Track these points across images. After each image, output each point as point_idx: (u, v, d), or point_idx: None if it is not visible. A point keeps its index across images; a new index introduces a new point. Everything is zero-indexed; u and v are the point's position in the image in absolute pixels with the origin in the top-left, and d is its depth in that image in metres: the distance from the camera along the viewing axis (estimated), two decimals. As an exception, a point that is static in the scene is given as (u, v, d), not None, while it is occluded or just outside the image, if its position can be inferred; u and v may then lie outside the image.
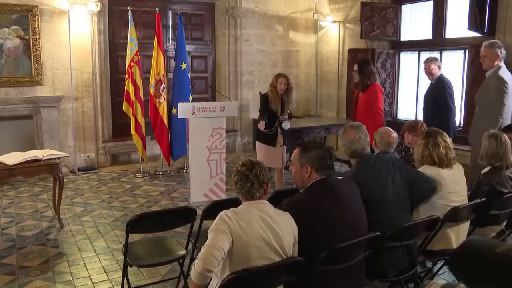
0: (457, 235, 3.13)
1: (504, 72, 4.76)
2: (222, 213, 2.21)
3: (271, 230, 2.20)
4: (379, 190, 2.81)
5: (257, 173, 2.29)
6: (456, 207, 2.99)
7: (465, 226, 3.22)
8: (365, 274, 2.66)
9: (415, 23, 7.57)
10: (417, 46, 7.44)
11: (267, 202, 2.34)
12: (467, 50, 6.43)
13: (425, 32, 7.28)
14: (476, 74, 6.11)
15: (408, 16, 7.65)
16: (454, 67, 6.82)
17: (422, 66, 7.32)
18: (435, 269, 3.65)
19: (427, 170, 3.10)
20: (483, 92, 4.92)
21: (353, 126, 3.13)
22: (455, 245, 3.12)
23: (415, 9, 7.53)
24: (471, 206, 3.14)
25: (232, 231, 2.13)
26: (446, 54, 6.95)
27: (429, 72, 5.46)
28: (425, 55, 7.30)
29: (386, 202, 2.80)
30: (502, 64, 4.78)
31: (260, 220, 2.20)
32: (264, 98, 5.61)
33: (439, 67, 5.45)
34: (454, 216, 2.98)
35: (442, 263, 3.58)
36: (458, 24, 6.73)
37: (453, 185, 3.12)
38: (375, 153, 3.81)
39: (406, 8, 7.64)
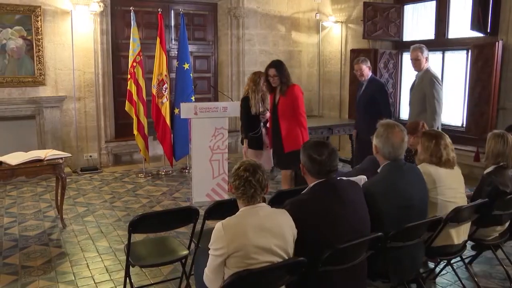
0: (458, 232, 3.13)
1: (434, 71, 5.15)
2: (217, 226, 2.20)
3: (270, 234, 2.20)
4: (408, 197, 2.80)
5: (259, 178, 2.28)
6: (458, 207, 2.98)
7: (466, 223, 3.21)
8: (367, 275, 2.65)
9: (417, 23, 7.56)
10: (420, 46, 7.42)
11: (265, 204, 2.35)
12: (469, 50, 6.42)
13: (428, 32, 7.27)
14: (479, 74, 6.11)
15: (411, 16, 7.64)
16: (456, 67, 6.81)
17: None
18: (438, 269, 3.66)
19: (427, 167, 3.11)
20: (418, 92, 5.15)
21: (401, 128, 2.90)
22: (456, 241, 3.12)
23: (417, 9, 7.53)
24: (473, 206, 3.13)
25: (228, 244, 2.14)
26: (449, 54, 6.94)
27: (360, 74, 5.46)
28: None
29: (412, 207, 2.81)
30: (429, 65, 5.15)
31: (256, 228, 2.19)
32: (244, 103, 5.48)
33: (370, 68, 5.48)
34: (456, 216, 2.98)
35: (444, 263, 3.58)
36: (460, 24, 6.72)
37: (451, 182, 3.13)
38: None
39: (408, 8, 7.63)
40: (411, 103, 5.33)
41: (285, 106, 4.86)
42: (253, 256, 2.15)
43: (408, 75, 7.72)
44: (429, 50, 7.20)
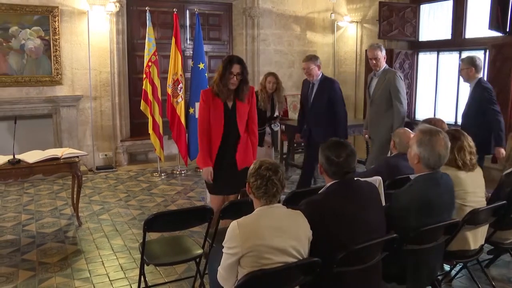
0: (475, 236, 3.08)
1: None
2: (233, 224, 2.19)
3: (286, 235, 2.20)
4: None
5: (280, 177, 2.29)
6: (475, 210, 2.93)
7: (483, 227, 3.16)
8: (382, 277, 2.63)
9: (434, 23, 7.48)
10: (436, 46, 7.36)
11: (280, 205, 2.34)
12: (487, 50, 6.33)
13: (444, 32, 7.20)
14: (497, 74, 6.03)
15: (427, 16, 7.57)
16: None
17: (441, 66, 7.33)
18: (453, 272, 3.62)
19: (444, 170, 3.03)
20: (381, 90, 5.10)
21: (444, 134, 2.74)
22: (472, 246, 3.07)
23: (434, 8, 7.45)
24: (491, 209, 3.08)
25: (242, 243, 2.13)
26: (466, 54, 6.84)
27: (308, 73, 5.12)
28: (444, 55, 7.24)
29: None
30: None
31: (271, 229, 2.18)
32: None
33: (319, 67, 5.11)
34: (473, 218, 2.93)
35: (460, 266, 3.54)
36: (478, 23, 6.63)
37: (470, 186, 3.03)
38: (393, 154, 3.79)
39: (425, 8, 7.56)
40: (373, 103, 5.23)
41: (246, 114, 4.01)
42: (267, 257, 2.14)
43: (425, 76, 7.66)
44: (446, 50, 7.21)
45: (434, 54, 7.41)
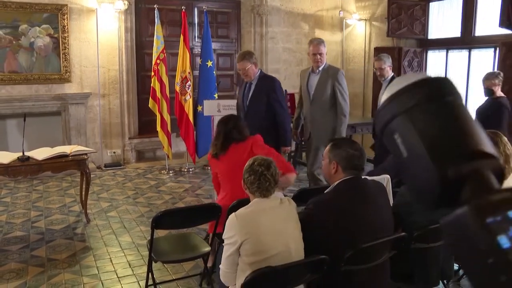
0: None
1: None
2: (231, 216, 2.27)
3: (282, 218, 2.31)
4: None
5: (273, 172, 2.35)
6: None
7: None
8: (390, 276, 2.62)
9: (443, 20, 7.43)
10: (445, 44, 7.31)
11: (274, 195, 2.39)
12: (497, 48, 6.28)
13: (454, 30, 7.15)
14: (508, 72, 5.97)
15: (436, 14, 7.52)
16: (483, 65, 6.68)
17: (451, 64, 7.28)
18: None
19: None
20: (324, 87, 4.78)
21: None
22: None
23: (443, 6, 7.40)
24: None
25: (240, 230, 2.20)
26: (475, 52, 6.81)
27: (245, 74, 4.54)
28: (453, 54, 7.19)
29: None
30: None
31: (268, 213, 2.29)
32: None
33: (256, 65, 4.56)
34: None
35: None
36: (488, 21, 6.58)
37: None
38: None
39: (434, 5, 7.51)
40: (314, 101, 4.85)
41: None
42: (265, 241, 2.20)
43: (433, 74, 7.60)
44: (455, 48, 7.16)
45: (443, 52, 7.36)
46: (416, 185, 0.95)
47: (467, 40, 6.90)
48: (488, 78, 4.97)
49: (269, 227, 2.24)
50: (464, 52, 6.95)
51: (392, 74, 5.25)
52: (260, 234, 2.21)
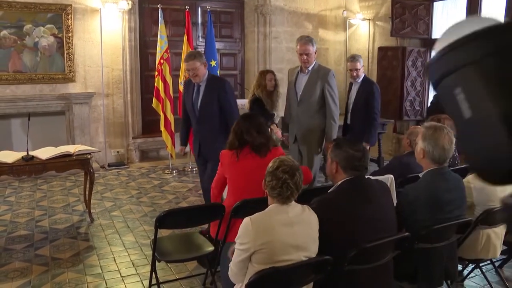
0: (490, 237, 3.05)
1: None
2: (246, 220, 2.20)
3: (299, 231, 2.21)
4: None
5: (297, 180, 2.25)
6: (489, 209, 2.91)
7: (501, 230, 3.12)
8: (393, 276, 2.62)
9: (447, 20, 7.41)
10: (449, 44, 7.27)
11: (294, 203, 2.31)
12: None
13: (458, 30, 7.11)
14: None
15: (440, 13, 7.50)
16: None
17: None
18: (466, 272, 3.58)
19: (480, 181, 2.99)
20: (313, 88, 4.49)
21: (448, 130, 2.76)
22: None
23: (447, 5, 7.37)
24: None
25: (254, 239, 2.14)
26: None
27: (194, 75, 4.15)
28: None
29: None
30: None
31: (285, 225, 2.19)
32: (257, 103, 5.03)
33: (205, 65, 4.22)
34: (487, 218, 2.90)
35: (473, 266, 3.51)
36: (493, 21, 6.55)
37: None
38: (405, 153, 3.76)
39: (438, 5, 7.49)
40: (301, 103, 4.57)
41: None
42: (279, 253, 2.15)
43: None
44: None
45: (447, 52, 7.32)
46: (480, 153, 0.80)
47: (471, 39, 6.87)
48: None
49: (285, 239, 2.16)
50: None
51: (364, 74, 5.22)
52: (275, 245, 2.14)
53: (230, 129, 3.44)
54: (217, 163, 3.30)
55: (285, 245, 2.16)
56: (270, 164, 2.31)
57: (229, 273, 2.33)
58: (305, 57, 4.49)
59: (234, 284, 2.35)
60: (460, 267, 3.57)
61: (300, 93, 4.61)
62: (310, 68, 4.56)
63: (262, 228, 2.16)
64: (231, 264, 2.30)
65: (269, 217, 2.22)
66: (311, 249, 2.25)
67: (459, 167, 3.71)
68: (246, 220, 2.19)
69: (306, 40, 4.52)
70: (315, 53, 4.57)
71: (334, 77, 4.59)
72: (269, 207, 2.29)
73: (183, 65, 6.80)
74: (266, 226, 2.18)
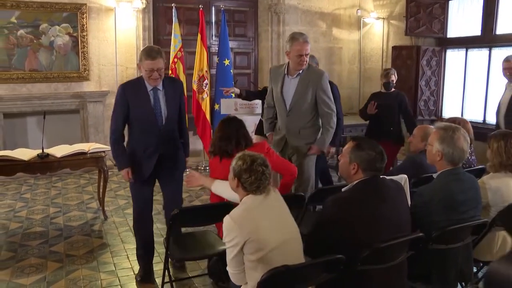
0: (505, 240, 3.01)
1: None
2: (226, 219, 2.27)
3: (277, 212, 2.36)
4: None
5: (270, 168, 2.37)
6: (503, 210, 2.88)
7: None
8: (407, 276, 2.60)
9: (463, 18, 7.32)
10: (465, 43, 7.20)
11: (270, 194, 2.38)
12: (519, 47, 6.16)
13: (474, 28, 7.03)
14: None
15: (456, 12, 7.41)
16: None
17: (470, 63, 7.17)
18: (480, 274, 3.54)
19: (495, 182, 2.98)
20: (305, 94, 3.98)
21: (463, 130, 2.79)
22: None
23: (463, 4, 7.28)
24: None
25: (241, 232, 2.21)
26: (496, 51, 6.69)
27: (158, 75, 3.37)
28: (473, 53, 7.09)
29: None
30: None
31: (262, 209, 2.31)
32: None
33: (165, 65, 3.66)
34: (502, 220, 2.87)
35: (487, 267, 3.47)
36: (511, 18, 6.44)
37: None
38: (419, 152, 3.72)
39: (453, 3, 7.40)
40: (291, 111, 4.05)
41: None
42: (267, 236, 2.21)
43: (452, 73, 7.51)
44: (475, 47, 7.05)
45: (463, 51, 7.25)
46: None
47: (488, 38, 6.78)
48: None
49: (266, 220, 2.27)
50: (484, 51, 6.84)
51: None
52: (260, 230, 2.22)
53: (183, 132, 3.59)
54: (182, 172, 3.44)
55: (270, 228, 2.24)
56: (239, 162, 2.36)
57: (230, 277, 2.35)
58: (305, 58, 3.93)
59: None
60: (475, 269, 3.54)
61: (290, 101, 4.03)
62: (302, 71, 4.00)
63: (244, 220, 2.24)
64: (228, 268, 2.33)
65: (246, 207, 2.31)
66: (293, 225, 2.38)
67: (474, 167, 3.67)
68: (226, 218, 2.26)
69: (305, 37, 3.98)
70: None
71: (328, 79, 4.08)
72: (244, 200, 2.36)
73: (196, 64, 6.82)
74: (248, 217, 2.26)
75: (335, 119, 4.05)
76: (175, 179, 3.76)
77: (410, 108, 5.83)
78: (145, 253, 3.69)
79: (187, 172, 3.69)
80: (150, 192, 3.74)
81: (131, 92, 3.43)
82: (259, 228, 2.22)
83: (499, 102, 5.10)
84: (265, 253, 2.20)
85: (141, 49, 3.37)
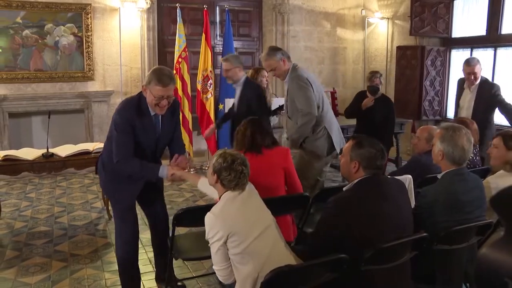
0: None
1: (300, 71, 4.10)
2: (207, 216, 2.33)
3: (255, 205, 2.43)
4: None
5: (248, 168, 2.43)
6: (497, 194, 2.86)
7: None
8: (411, 277, 2.59)
9: (468, 18, 7.30)
10: (470, 42, 7.18)
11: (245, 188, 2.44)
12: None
13: (479, 28, 7.00)
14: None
15: (461, 12, 7.39)
16: (510, 65, 6.53)
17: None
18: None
19: (500, 179, 2.97)
20: (290, 101, 4.10)
21: (466, 130, 2.77)
22: None
23: (468, 3, 7.26)
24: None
25: (223, 226, 2.26)
26: (501, 51, 6.66)
27: (167, 103, 3.09)
28: (478, 52, 7.06)
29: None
30: (291, 65, 4.12)
31: (242, 204, 2.36)
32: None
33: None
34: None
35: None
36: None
37: None
38: (425, 152, 3.71)
39: (458, 3, 7.38)
40: (290, 118, 4.24)
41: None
42: (247, 228, 2.27)
43: (457, 73, 7.47)
44: (480, 47, 7.02)
45: (467, 51, 7.23)
46: None
47: (493, 38, 6.76)
48: None
49: (246, 212, 2.34)
50: (490, 51, 6.81)
51: (245, 75, 4.60)
52: (241, 222, 2.28)
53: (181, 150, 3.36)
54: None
55: (250, 219, 2.31)
56: (220, 160, 2.41)
57: (217, 275, 2.40)
58: (274, 73, 4.13)
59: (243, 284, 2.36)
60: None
61: (286, 107, 4.20)
62: (287, 78, 4.11)
63: (226, 214, 2.30)
64: (214, 267, 2.38)
65: (225, 202, 2.36)
66: (268, 212, 2.45)
67: (479, 168, 3.66)
68: (208, 215, 2.32)
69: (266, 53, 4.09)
70: (282, 60, 4.04)
71: (299, 79, 3.99)
72: (223, 197, 2.41)
73: (201, 64, 6.81)
74: (229, 211, 2.32)
75: (301, 117, 3.97)
76: (158, 190, 3.55)
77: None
78: None
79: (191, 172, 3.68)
80: (136, 222, 3.40)
81: (135, 119, 3.07)
82: (240, 220, 2.29)
83: (458, 103, 5.09)
84: (248, 243, 2.25)
85: (151, 71, 3.00)
